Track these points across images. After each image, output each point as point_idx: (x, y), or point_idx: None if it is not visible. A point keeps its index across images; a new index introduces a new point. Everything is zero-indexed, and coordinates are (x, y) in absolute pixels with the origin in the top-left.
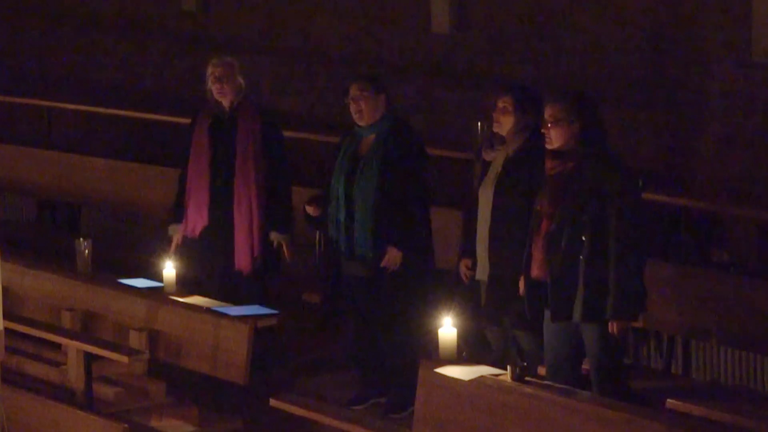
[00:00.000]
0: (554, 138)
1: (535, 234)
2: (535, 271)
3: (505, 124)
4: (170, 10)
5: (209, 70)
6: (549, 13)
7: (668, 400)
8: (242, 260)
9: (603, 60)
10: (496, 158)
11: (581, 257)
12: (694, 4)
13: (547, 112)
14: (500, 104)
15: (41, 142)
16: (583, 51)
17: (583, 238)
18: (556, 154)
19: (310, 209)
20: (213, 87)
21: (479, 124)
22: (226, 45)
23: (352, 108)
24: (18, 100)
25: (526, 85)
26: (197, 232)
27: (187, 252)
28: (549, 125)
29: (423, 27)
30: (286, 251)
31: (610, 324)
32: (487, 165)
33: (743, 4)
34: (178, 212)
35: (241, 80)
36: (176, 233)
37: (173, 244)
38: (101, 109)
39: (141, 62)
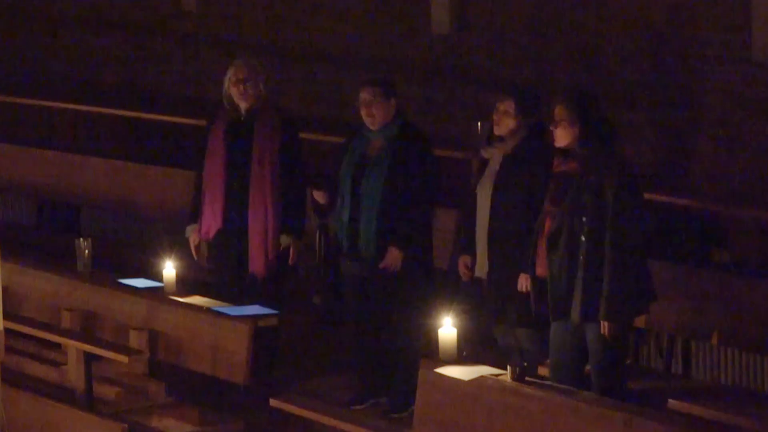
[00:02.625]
0: (558, 137)
1: (540, 232)
2: (539, 270)
3: (505, 126)
4: (170, 10)
5: (231, 71)
6: (549, 13)
7: (669, 400)
8: (257, 264)
9: (603, 60)
10: (494, 156)
11: (580, 257)
12: (694, 4)
13: (554, 111)
14: (501, 107)
15: (41, 142)
16: (583, 51)
17: (582, 238)
18: (562, 152)
19: (318, 194)
20: (234, 88)
21: (479, 124)
22: (226, 45)
23: (364, 112)
24: (18, 100)
25: (525, 87)
26: (211, 234)
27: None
28: (555, 124)
29: (423, 27)
30: (292, 255)
31: (601, 325)
32: (484, 163)
33: (743, 4)
34: (194, 214)
35: (262, 85)
36: (192, 234)
37: (192, 246)
38: (101, 109)
39: (141, 62)
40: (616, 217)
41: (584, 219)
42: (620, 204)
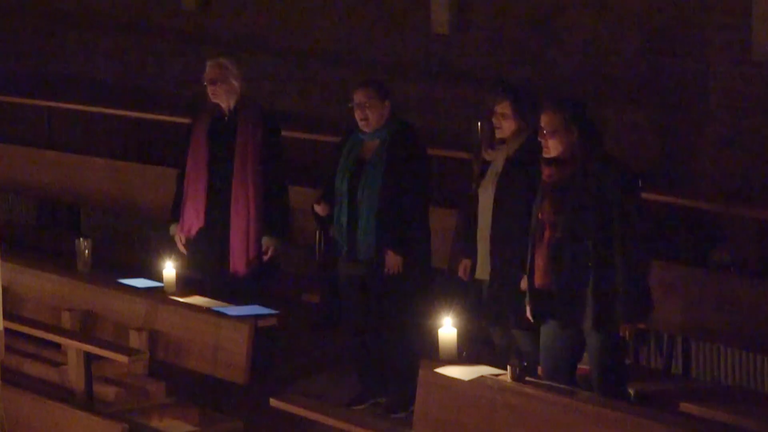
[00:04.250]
0: (552, 147)
1: (537, 242)
2: (538, 280)
3: (505, 128)
4: (170, 10)
5: (206, 70)
6: (549, 13)
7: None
8: (237, 262)
9: (603, 60)
10: (496, 158)
11: (589, 265)
12: (694, 4)
13: (543, 121)
14: (498, 110)
15: (41, 142)
16: (583, 51)
17: (590, 244)
18: (552, 161)
19: (318, 208)
20: (207, 88)
21: (479, 124)
22: (226, 45)
23: (358, 115)
24: (18, 100)
25: (521, 87)
26: (193, 232)
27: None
28: (546, 134)
29: (423, 27)
30: (270, 253)
31: (621, 327)
32: (485, 165)
33: (743, 4)
34: (176, 212)
35: (236, 83)
36: (177, 233)
37: (179, 243)
38: (101, 109)
39: (141, 62)
40: (625, 218)
41: (590, 225)
42: (628, 203)
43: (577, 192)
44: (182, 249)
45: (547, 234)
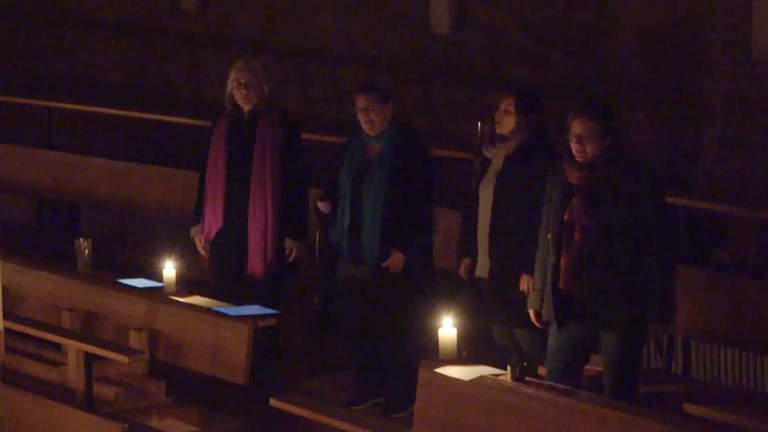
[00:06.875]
0: (590, 151)
1: (565, 245)
2: (563, 282)
3: (506, 125)
4: (170, 10)
5: (233, 74)
6: (549, 13)
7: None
8: (255, 265)
9: (603, 60)
10: (496, 156)
11: (622, 267)
12: (695, 4)
13: (581, 128)
14: (503, 105)
15: (41, 142)
16: (584, 51)
17: (621, 248)
18: (583, 165)
19: (322, 205)
20: (237, 92)
21: (479, 123)
22: (226, 45)
23: (362, 119)
24: (18, 100)
25: (527, 85)
26: (212, 234)
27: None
28: (584, 141)
29: (423, 27)
30: (294, 255)
31: (652, 328)
32: (486, 163)
33: (743, 4)
34: (197, 214)
35: (265, 86)
36: (197, 235)
37: (200, 247)
38: (101, 109)
39: (141, 62)
40: (658, 220)
41: (621, 227)
42: (658, 205)
43: (609, 194)
44: (202, 252)
45: (577, 236)
